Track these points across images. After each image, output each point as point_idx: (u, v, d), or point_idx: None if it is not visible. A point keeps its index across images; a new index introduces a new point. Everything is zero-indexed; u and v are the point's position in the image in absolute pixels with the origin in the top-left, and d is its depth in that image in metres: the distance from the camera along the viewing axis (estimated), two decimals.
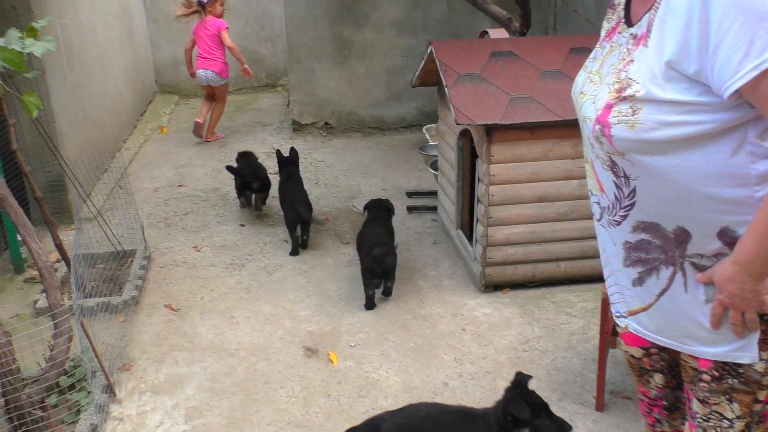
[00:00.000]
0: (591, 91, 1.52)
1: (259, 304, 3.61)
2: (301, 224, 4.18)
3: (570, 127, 3.40)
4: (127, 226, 4.64)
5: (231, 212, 4.87)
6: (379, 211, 3.97)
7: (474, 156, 3.71)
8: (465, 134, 3.74)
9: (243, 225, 4.66)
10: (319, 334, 3.35)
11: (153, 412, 2.83)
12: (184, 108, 7.95)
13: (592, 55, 1.63)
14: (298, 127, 6.69)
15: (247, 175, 4.73)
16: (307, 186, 4.67)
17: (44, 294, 3.59)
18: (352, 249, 4.24)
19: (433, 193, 4.80)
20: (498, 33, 5.52)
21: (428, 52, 3.76)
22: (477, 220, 3.63)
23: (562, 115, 3.32)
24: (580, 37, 3.85)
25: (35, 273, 3.95)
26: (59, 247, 3.53)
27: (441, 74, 3.52)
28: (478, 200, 3.57)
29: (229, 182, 5.44)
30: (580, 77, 1.62)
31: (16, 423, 2.59)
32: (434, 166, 4.78)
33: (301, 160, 4.81)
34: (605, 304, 2.58)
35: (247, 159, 4.96)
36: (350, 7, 6.38)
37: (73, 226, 4.50)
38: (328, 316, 3.50)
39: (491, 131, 3.36)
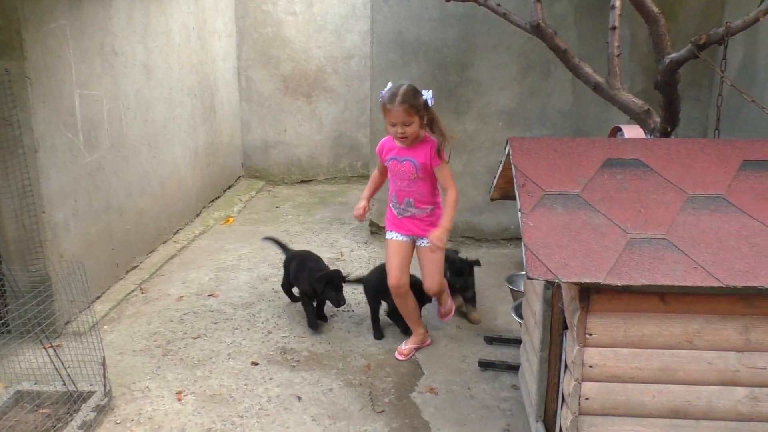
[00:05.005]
0: None
1: None
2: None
3: (736, 300, 1.94)
4: (116, 348, 3.65)
5: (251, 341, 3.72)
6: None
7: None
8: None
9: (256, 364, 3.48)
10: None
11: None
12: (266, 195, 7.10)
13: None
14: (376, 230, 5.54)
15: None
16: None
17: None
18: (383, 420, 2.91)
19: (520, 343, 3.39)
20: (635, 131, 4.15)
21: (506, 152, 2.48)
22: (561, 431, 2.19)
23: (724, 279, 1.88)
24: (762, 142, 2.38)
25: None
26: None
27: (516, 190, 2.21)
28: (564, 401, 2.15)
29: (267, 297, 4.35)
30: None
31: None
32: (519, 311, 3.38)
33: (364, 271, 4.40)
34: None
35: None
36: (450, 92, 5.25)
37: (57, 342, 3.59)
38: None
39: (589, 293, 1.97)
